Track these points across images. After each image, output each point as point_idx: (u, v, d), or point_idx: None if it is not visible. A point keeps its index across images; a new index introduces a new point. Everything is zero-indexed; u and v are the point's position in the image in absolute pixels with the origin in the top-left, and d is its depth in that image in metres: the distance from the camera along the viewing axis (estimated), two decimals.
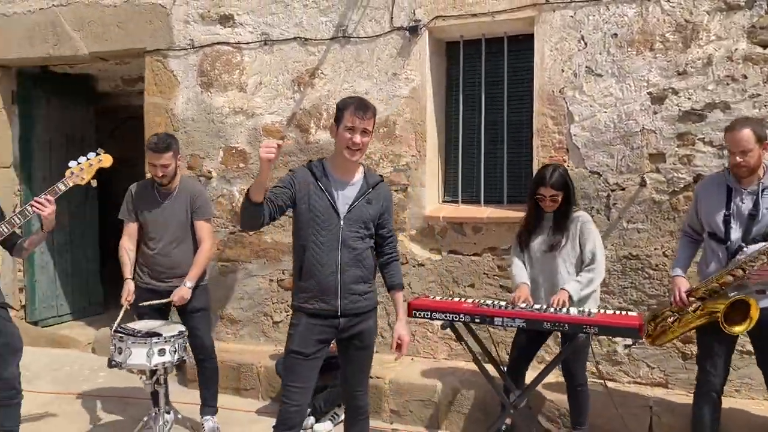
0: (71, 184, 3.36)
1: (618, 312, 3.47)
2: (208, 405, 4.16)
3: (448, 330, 3.58)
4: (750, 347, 3.48)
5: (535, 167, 4.39)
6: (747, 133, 3.10)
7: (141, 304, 3.89)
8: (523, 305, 3.41)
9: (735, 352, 3.72)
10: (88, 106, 7.08)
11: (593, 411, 3.80)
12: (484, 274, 4.58)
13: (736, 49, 3.90)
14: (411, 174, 4.74)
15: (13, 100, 6.28)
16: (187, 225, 4.03)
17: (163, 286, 3.98)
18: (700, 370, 3.37)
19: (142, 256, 4.06)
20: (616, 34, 4.17)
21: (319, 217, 2.83)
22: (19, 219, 3.29)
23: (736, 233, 3.23)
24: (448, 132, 4.96)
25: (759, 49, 3.86)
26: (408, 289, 4.74)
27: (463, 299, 3.63)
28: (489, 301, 3.59)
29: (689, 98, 4.02)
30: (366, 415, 3.14)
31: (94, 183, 3.50)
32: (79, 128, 6.94)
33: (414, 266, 4.76)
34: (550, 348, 4.27)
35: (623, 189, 4.20)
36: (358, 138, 2.81)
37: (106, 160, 3.49)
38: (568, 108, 4.30)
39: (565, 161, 4.32)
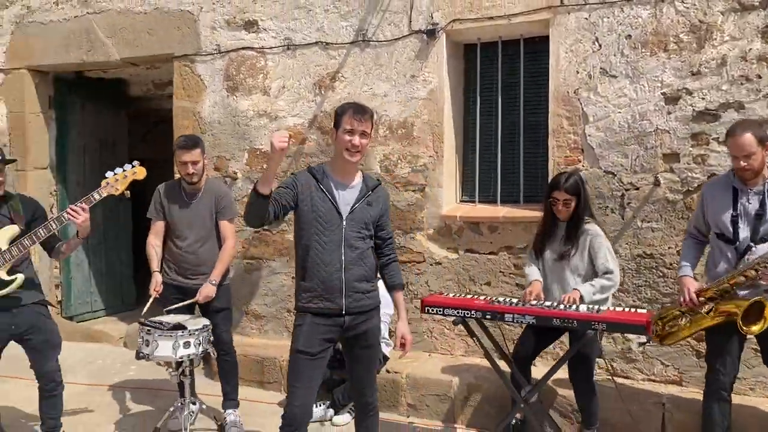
0: (105, 194, 3.51)
1: (627, 309, 3.52)
2: (230, 398, 4.31)
3: (474, 325, 3.69)
4: None
5: (551, 167, 4.48)
6: (748, 138, 3.13)
7: (166, 309, 4.03)
8: (534, 302, 3.50)
9: (750, 351, 3.76)
10: (120, 111, 7.34)
11: (606, 407, 3.87)
12: (500, 272, 4.66)
13: (750, 49, 3.92)
14: (428, 174, 4.84)
15: (50, 105, 6.55)
16: (212, 224, 4.19)
17: (189, 283, 4.15)
18: (710, 370, 3.40)
19: (169, 253, 4.23)
20: (630, 36, 4.22)
21: (322, 217, 2.92)
22: (56, 224, 3.47)
23: (744, 233, 3.26)
24: (466, 133, 5.06)
25: None
26: (425, 287, 4.86)
27: (475, 296, 3.72)
28: (501, 298, 3.68)
29: (703, 98, 4.05)
30: (375, 411, 3.22)
31: (128, 194, 3.63)
32: (112, 132, 7.21)
33: (431, 265, 4.87)
34: (565, 345, 4.33)
35: (637, 188, 4.25)
36: (357, 140, 2.89)
37: (140, 173, 3.59)
38: (582, 109, 4.36)
39: (580, 161, 4.39)
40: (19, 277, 3.48)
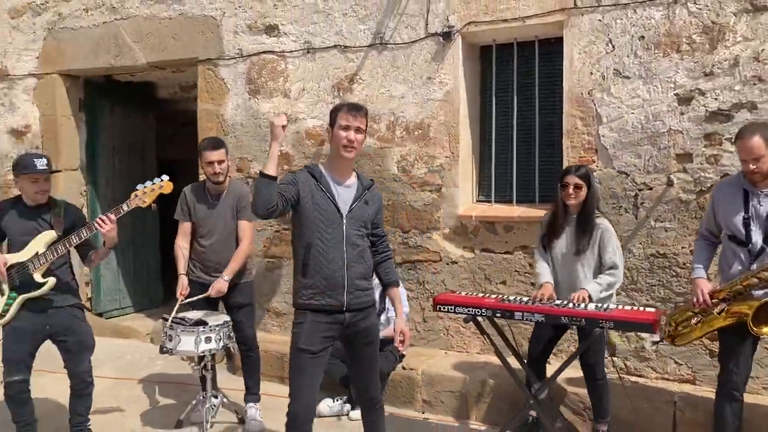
0: (133, 206, 3.63)
1: (635, 308, 3.57)
2: (251, 392, 4.45)
3: (486, 324, 3.77)
4: None
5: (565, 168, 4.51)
6: (757, 141, 3.15)
7: (182, 302, 4.18)
8: (543, 301, 3.57)
9: (763, 350, 3.78)
10: (148, 114, 7.55)
11: (618, 405, 3.92)
12: (516, 271, 4.73)
13: (763, 49, 3.93)
14: (444, 174, 4.92)
15: (80, 108, 6.77)
16: (234, 224, 4.33)
17: (212, 281, 4.28)
18: (722, 370, 3.43)
19: (195, 252, 4.38)
20: (643, 37, 4.25)
21: (323, 216, 2.98)
22: (87, 232, 3.62)
23: (756, 235, 3.28)
24: (483, 133, 5.13)
25: None
26: (442, 286, 4.94)
27: (486, 295, 3.80)
28: (512, 297, 3.75)
29: (716, 99, 4.07)
30: (380, 405, 3.29)
31: (154, 207, 3.74)
32: (140, 134, 7.42)
33: (447, 264, 4.95)
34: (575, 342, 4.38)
35: (650, 188, 4.28)
36: (352, 135, 2.97)
37: (167, 188, 3.68)
38: (596, 109, 4.41)
39: (593, 161, 4.43)
40: (51, 280, 3.63)
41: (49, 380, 4.70)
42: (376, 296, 4.45)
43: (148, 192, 3.62)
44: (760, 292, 3.27)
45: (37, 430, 3.81)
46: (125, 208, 3.62)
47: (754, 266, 3.28)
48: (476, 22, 4.76)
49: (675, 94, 4.17)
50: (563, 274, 3.76)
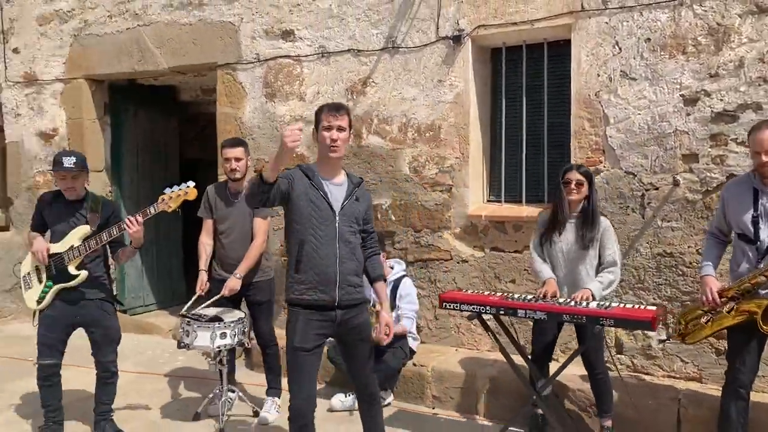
0: (160, 210, 3.79)
1: (637, 306, 3.63)
2: (272, 387, 4.59)
3: (493, 323, 3.87)
4: None
5: None
6: None
7: (195, 299, 4.35)
8: (547, 299, 3.65)
9: (766, 349, 3.81)
10: (171, 116, 7.77)
11: (623, 402, 3.98)
12: (525, 270, 4.80)
13: None
14: (455, 175, 5.02)
15: (105, 111, 7.01)
16: (252, 222, 4.48)
17: (241, 276, 4.41)
18: (729, 368, 3.46)
19: (217, 250, 4.55)
20: (649, 39, 4.30)
21: (317, 212, 3.05)
22: (116, 231, 3.81)
23: (764, 233, 3.31)
24: (493, 134, 5.21)
25: None
26: (453, 284, 5.04)
27: (491, 293, 3.90)
28: (516, 295, 3.84)
29: (721, 100, 4.11)
30: (378, 401, 3.38)
31: (179, 211, 3.91)
32: (163, 136, 7.64)
33: (458, 262, 5.05)
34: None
35: (657, 188, 4.33)
36: (335, 134, 3.04)
37: (192, 194, 3.82)
38: (603, 111, 4.47)
39: (601, 162, 4.50)
40: (83, 273, 3.84)
41: (74, 373, 4.91)
42: (387, 293, 4.61)
43: (173, 197, 3.77)
44: (766, 291, 3.30)
45: (63, 417, 4.02)
46: (152, 211, 3.78)
47: (762, 264, 3.31)
48: (486, 26, 4.85)
49: (681, 96, 4.22)
50: (566, 272, 3.83)
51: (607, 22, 4.43)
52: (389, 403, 4.67)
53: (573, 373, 4.08)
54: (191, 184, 3.82)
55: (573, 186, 3.74)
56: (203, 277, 4.44)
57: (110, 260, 4.13)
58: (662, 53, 4.27)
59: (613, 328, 4.45)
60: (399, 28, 5.16)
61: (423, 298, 5.12)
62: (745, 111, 4.04)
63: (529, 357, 3.96)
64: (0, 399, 4.76)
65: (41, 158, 7.11)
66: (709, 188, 4.18)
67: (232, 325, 4.11)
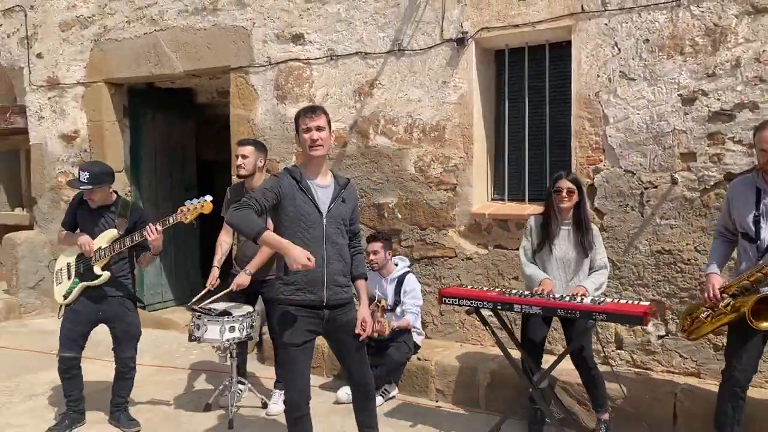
0: (178, 220, 3.98)
1: (630, 301, 3.71)
2: (280, 380, 4.75)
3: (496, 320, 3.99)
4: None
5: (574, 167, 4.67)
6: None
7: (207, 301, 4.51)
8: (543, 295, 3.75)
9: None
10: (188, 119, 7.99)
11: (620, 395, 4.06)
12: None
13: (764, 50, 4.02)
14: (459, 174, 5.13)
15: (125, 114, 7.24)
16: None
17: (251, 271, 4.57)
18: (727, 365, 3.52)
19: (236, 248, 4.72)
20: (647, 40, 4.38)
21: (305, 216, 3.16)
22: (138, 236, 4.02)
23: (765, 232, 3.36)
24: (498, 134, 5.32)
25: None
26: (457, 281, 5.16)
27: (489, 289, 4.01)
28: (514, 291, 3.95)
29: (718, 99, 4.17)
30: (373, 393, 3.49)
31: (195, 224, 4.13)
32: (181, 137, 7.86)
33: (462, 260, 5.16)
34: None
35: (656, 187, 4.40)
36: (315, 134, 3.16)
37: (207, 208, 3.99)
38: (603, 111, 4.55)
39: (601, 161, 4.58)
40: (106, 274, 4.07)
41: (97, 366, 5.14)
42: (390, 293, 4.74)
43: (191, 209, 3.96)
44: (766, 288, 3.35)
45: (84, 406, 4.25)
46: (171, 221, 3.99)
47: (761, 262, 3.38)
48: (489, 28, 4.95)
49: (679, 95, 4.29)
50: (564, 279, 3.92)
51: (606, 24, 4.52)
52: (394, 396, 4.81)
53: (571, 368, 4.16)
54: (209, 198, 4.01)
55: (564, 194, 3.83)
56: (215, 273, 4.61)
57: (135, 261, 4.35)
58: (660, 54, 4.34)
59: (613, 325, 4.57)
60: (405, 31, 5.29)
61: (428, 294, 5.25)
62: (741, 110, 4.10)
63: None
64: (24, 389, 4.98)
65: (63, 159, 7.36)
66: (706, 186, 4.24)
67: (240, 319, 4.27)
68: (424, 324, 5.25)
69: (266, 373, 5.26)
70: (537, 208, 4.88)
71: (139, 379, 4.96)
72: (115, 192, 4.26)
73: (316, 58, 5.70)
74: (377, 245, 4.84)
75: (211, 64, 6.30)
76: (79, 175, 4.03)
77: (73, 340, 4.10)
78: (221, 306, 4.44)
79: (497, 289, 4.00)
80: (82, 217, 4.18)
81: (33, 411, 4.54)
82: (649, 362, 4.50)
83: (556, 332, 4.63)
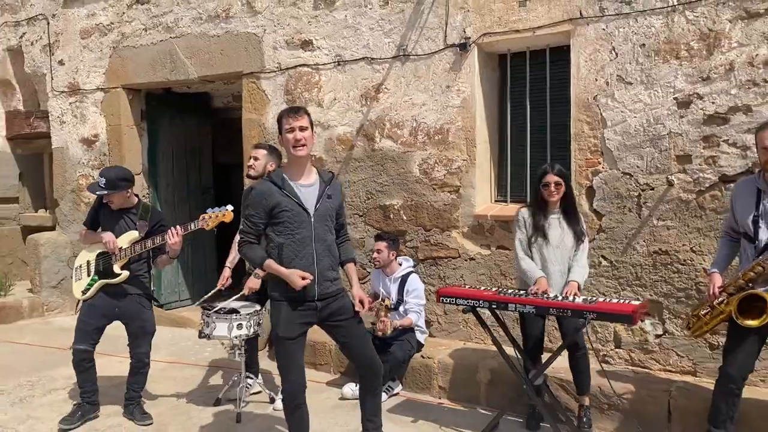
0: (199, 227, 4.17)
1: (622, 300, 3.81)
2: None
3: (500, 318, 4.13)
4: None
5: (573, 170, 4.78)
6: None
7: (218, 305, 4.67)
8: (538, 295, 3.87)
9: None
10: (204, 121, 8.21)
11: (617, 393, 4.16)
12: None
13: (757, 54, 4.09)
14: (462, 176, 5.25)
15: (142, 118, 7.46)
16: None
17: (261, 274, 4.75)
18: (723, 362, 3.60)
19: None
20: (644, 44, 4.46)
21: (291, 218, 3.29)
22: (159, 239, 4.24)
23: (764, 233, 3.44)
24: (502, 136, 5.43)
25: None
26: (461, 281, 5.28)
27: (486, 288, 4.13)
28: (510, 291, 4.07)
29: (713, 102, 4.24)
30: (380, 376, 3.61)
31: (215, 231, 4.32)
32: (197, 141, 8.08)
33: (466, 260, 5.28)
34: None
35: (653, 189, 4.49)
36: (298, 134, 3.26)
37: (228, 216, 4.17)
38: (601, 114, 4.65)
39: (599, 163, 4.68)
40: (125, 273, 4.29)
41: (109, 361, 5.35)
42: (394, 292, 4.88)
43: (213, 217, 4.15)
44: (764, 288, 3.41)
45: (98, 398, 4.45)
46: (192, 227, 4.19)
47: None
48: (491, 33, 5.07)
49: (674, 99, 4.37)
50: (560, 266, 4.04)
51: (604, 29, 4.61)
52: (397, 393, 4.94)
53: (567, 366, 4.27)
54: (230, 207, 4.19)
55: (553, 188, 3.95)
56: (225, 273, 4.80)
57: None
58: (656, 58, 4.42)
59: (611, 324, 4.66)
60: (409, 37, 5.42)
61: (433, 294, 5.36)
62: (735, 113, 4.18)
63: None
64: (45, 384, 5.21)
65: (84, 162, 7.61)
66: (702, 188, 4.32)
67: (248, 317, 4.45)
68: (428, 323, 5.38)
69: (276, 370, 5.41)
70: None
71: (154, 375, 5.16)
72: (136, 195, 4.46)
73: (324, 64, 5.85)
74: (382, 245, 4.98)
75: (224, 70, 6.49)
76: (98, 180, 4.25)
77: (88, 333, 4.30)
78: (229, 304, 4.61)
79: (494, 289, 4.12)
80: (103, 217, 4.40)
81: (52, 404, 4.75)
82: (647, 361, 4.59)
83: (558, 331, 4.72)
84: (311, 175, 3.43)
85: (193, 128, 8.00)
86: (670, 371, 4.49)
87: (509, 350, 4.19)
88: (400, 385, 4.99)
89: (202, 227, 4.16)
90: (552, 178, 3.97)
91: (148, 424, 4.38)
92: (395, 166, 5.55)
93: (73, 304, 5.02)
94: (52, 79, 7.76)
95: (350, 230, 5.72)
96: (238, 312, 4.46)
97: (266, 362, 5.70)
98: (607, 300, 3.79)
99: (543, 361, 4.16)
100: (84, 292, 4.35)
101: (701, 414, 3.87)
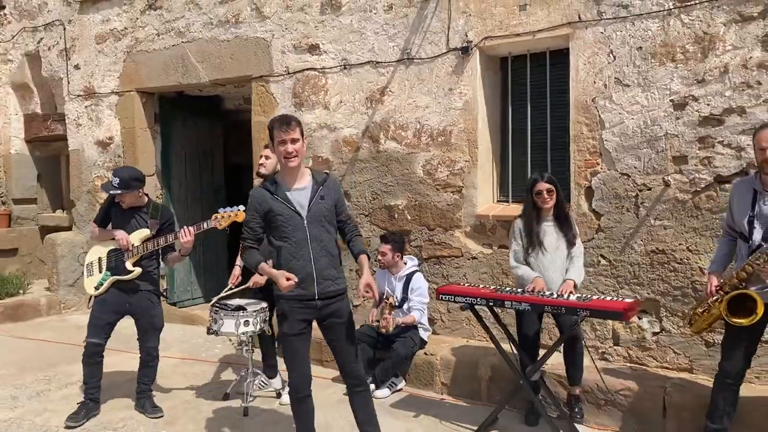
0: (211, 226, 4.31)
1: (614, 298, 3.90)
2: None
3: (501, 317, 4.25)
4: None
5: (572, 170, 4.88)
6: None
7: (228, 292, 4.83)
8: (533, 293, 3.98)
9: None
10: (216, 124, 8.39)
11: (613, 389, 4.25)
12: None
13: (751, 57, 4.16)
14: (465, 177, 5.37)
15: (156, 120, 7.65)
16: None
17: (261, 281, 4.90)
18: (721, 358, 3.69)
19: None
20: (641, 47, 4.55)
21: (285, 222, 3.39)
22: (171, 238, 4.41)
23: (757, 233, 3.52)
24: (504, 138, 5.53)
25: None
26: (464, 280, 5.39)
27: (484, 286, 4.24)
28: (507, 289, 4.18)
29: (708, 104, 4.32)
30: (365, 386, 3.67)
31: (227, 230, 4.46)
32: (209, 142, 8.26)
33: (468, 259, 5.39)
34: None
35: (650, 189, 4.57)
36: (290, 147, 3.35)
37: (240, 216, 4.21)
38: (599, 116, 4.73)
39: (598, 164, 4.77)
40: (137, 270, 4.46)
41: (121, 358, 5.53)
42: (399, 291, 5.00)
43: (225, 217, 4.28)
44: (756, 287, 3.48)
45: (100, 395, 4.61)
46: (204, 226, 4.34)
47: None
48: (492, 37, 5.18)
49: (670, 101, 4.45)
50: (558, 271, 4.14)
51: (602, 32, 4.70)
52: (401, 389, 5.06)
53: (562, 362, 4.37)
54: (241, 207, 4.26)
55: (546, 195, 4.06)
56: (236, 271, 4.96)
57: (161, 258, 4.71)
58: (653, 61, 4.51)
59: (610, 322, 4.75)
60: (413, 41, 5.54)
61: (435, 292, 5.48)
62: (730, 115, 4.25)
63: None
64: (60, 379, 5.40)
65: (99, 164, 7.82)
66: (697, 188, 4.40)
67: (254, 314, 4.60)
68: (432, 321, 5.50)
69: (284, 366, 5.56)
70: None
71: (166, 371, 5.34)
72: (146, 195, 4.62)
73: (331, 67, 5.99)
74: (387, 247, 5.11)
75: (234, 74, 6.65)
76: (111, 180, 4.41)
77: (101, 328, 4.47)
78: (237, 302, 4.77)
79: (492, 287, 4.23)
80: (115, 216, 4.57)
81: (67, 398, 4.93)
82: (644, 358, 4.67)
83: (557, 329, 4.82)
84: (304, 179, 3.52)
85: (205, 130, 8.18)
86: (667, 368, 4.57)
87: (508, 348, 4.31)
88: (404, 381, 5.11)
89: (215, 226, 4.30)
90: (543, 186, 4.08)
91: (159, 417, 4.54)
92: (399, 167, 5.68)
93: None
94: (69, 83, 7.98)
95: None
96: (245, 309, 4.61)
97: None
98: (603, 298, 3.88)
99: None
100: (97, 288, 4.53)
101: (696, 410, 3.96)
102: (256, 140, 6.50)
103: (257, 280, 4.76)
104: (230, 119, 8.75)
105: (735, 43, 4.22)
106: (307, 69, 6.12)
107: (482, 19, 5.21)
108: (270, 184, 3.48)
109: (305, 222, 3.44)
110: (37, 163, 9.17)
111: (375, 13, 5.70)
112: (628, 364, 4.70)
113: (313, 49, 6.08)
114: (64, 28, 7.96)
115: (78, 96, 7.92)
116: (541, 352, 4.29)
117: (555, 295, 3.88)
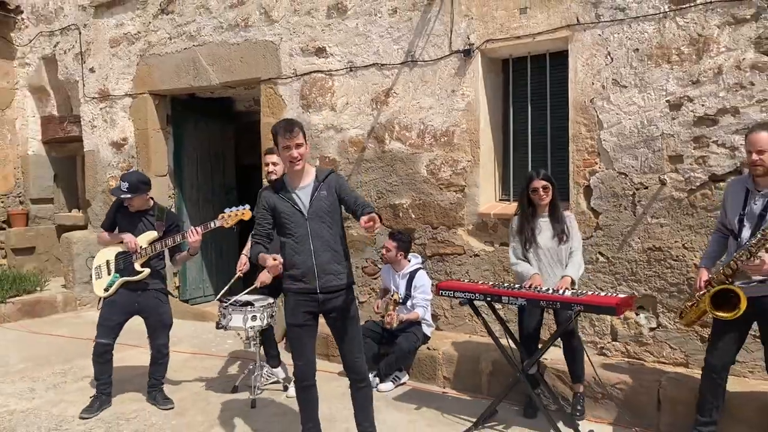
0: (218, 225, 4.47)
1: (610, 293, 4.02)
2: None
3: (502, 313, 4.36)
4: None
5: (571, 170, 4.99)
6: (764, 136, 3.47)
7: (234, 298, 4.97)
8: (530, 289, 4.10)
9: (749, 336, 4.10)
10: (228, 125, 8.58)
11: (610, 383, 4.36)
12: None
13: (744, 58, 4.25)
14: (467, 176, 5.49)
15: (168, 122, 7.85)
16: None
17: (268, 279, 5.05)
18: (706, 352, 3.81)
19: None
20: (637, 49, 4.65)
21: (288, 219, 3.56)
22: (179, 238, 4.57)
23: (746, 231, 3.62)
24: (506, 138, 5.65)
25: (765, 58, 4.20)
26: (466, 277, 5.51)
27: (483, 282, 4.37)
28: (506, 284, 4.30)
29: (703, 105, 4.42)
30: (367, 383, 3.77)
31: (235, 228, 4.60)
32: (221, 143, 8.45)
33: (471, 257, 5.52)
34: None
35: (646, 188, 4.67)
36: (294, 152, 3.49)
37: (247, 215, 4.43)
38: (598, 116, 4.84)
39: (596, 163, 4.87)
40: (146, 271, 4.63)
41: (132, 353, 5.72)
42: (402, 288, 5.13)
43: (232, 216, 4.44)
44: (742, 282, 3.56)
45: (111, 390, 4.77)
46: (212, 225, 4.49)
47: None
48: (493, 40, 5.30)
49: (666, 101, 4.55)
50: (554, 269, 4.27)
51: (600, 35, 4.80)
52: (404, 383, 5.20)
53: (561, 357, 4.48)
54: (247, 207, 4.47)
55: (542, 192, 4.18)
56: (243, 259, 5.12)
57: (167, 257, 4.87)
58: (649, 62, 4.61)
59: (609, 318, 4.86)
60: (417, 44, 5.67)
61: None
62: (724, 115, 4.34)
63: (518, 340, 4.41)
64: (76, 372, 5.59)
65: (113, 165, 8.02)
66: (693, 187, 4.49)
67: (261, 309, 4.75)
68: (435, 317, 5.63)
69: (291, 360, 5.71)
70: None
71: (176, 365, 5.51)
72: (152, 198, 4.79)
73: (337, 70, 6.14)
74: (392, 244, 5.26)
75: (244, 76, 6.82)
76: (119, 185, 4.58)
77: (111, 328, 4.64)
78: (245, 297, 4.93)
79: (490, 283, 4.35)
80: (121, 219, 4.73)
81: (82, 390, 5.12)
82: (642, 353, 4.77)
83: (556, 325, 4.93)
84: (307, 178, 3.66)
85: (216, 132, 8.37)
86: (663, 363, 4.67)
87: (507, 343, 4.43)
88: (407, 375, 5.25)
89: (221, 225, 4.46)
90: (539, 183, 4.20)
91: (169, 408, 4.71)
92: (404, 166, 5.81)
93: None
94: (84, 85, 8.19)
95: (361, 230, 6.01)
96: (253, 304, 4.77)
97: (282, 352, 6.00)
98: (599, 294, 4.00)
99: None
100: (106, 290, 4.68)
101: (690, 404, 4.05)
102: (265, 141, 6.65)
103: (264, 279, 4.92)
104: (241, 121, 8.93)
105: (729, 44, 4.31)
106: (314, 71, 6.27)
107: (484, 23, 5.33)
108: (278, 185, 3.67)
109: (306, 218, 3.58)
110: (53, 164, 9.41)
111: (380, 17, 5.84)
112: (626, 359, 4.81)
113: (320, 51, 6.22)
114: (80, 33, 8.17)
115: (93, 98, 8.13)
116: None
117: (551, 291, 4.00)
